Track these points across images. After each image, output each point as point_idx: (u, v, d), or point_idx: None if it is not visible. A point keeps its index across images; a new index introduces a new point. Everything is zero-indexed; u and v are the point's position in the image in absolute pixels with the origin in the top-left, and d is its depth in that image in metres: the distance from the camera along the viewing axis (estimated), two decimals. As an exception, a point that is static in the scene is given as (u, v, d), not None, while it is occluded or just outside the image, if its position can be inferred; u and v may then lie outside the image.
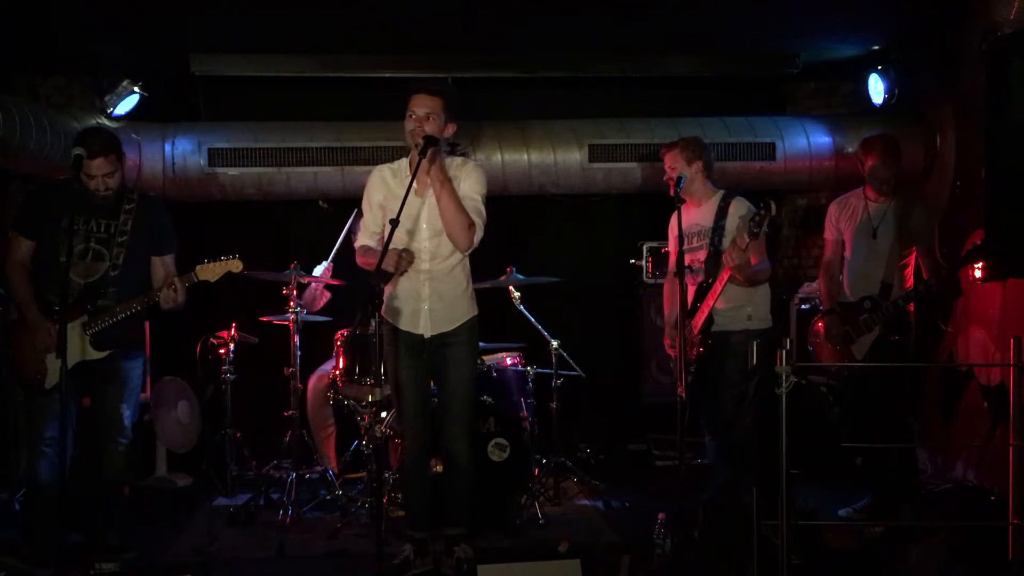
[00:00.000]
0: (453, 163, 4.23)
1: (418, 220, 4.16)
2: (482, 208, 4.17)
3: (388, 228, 3.96)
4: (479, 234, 4.15)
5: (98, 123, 5.93)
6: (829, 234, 5.23)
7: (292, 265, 5.49)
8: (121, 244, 4.38)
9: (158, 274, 4.47)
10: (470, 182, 4.17)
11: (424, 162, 4.01)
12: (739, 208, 4.70)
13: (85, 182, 4.29)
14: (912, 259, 5.04)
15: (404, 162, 4.23)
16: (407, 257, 4.11)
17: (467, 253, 4.22)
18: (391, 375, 4.31)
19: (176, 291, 4.29)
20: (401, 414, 4.34)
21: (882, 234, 4.99)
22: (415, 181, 4.06)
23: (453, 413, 4.28)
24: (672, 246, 4.94)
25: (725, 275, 4.55)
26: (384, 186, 4.21)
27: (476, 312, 4.32)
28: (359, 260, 4.35)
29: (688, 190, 4.78)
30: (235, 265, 4.38)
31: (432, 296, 4.20)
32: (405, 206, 3.96)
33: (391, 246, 3.98)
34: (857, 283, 5.05)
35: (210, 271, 4.35)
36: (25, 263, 4.39)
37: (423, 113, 4.02)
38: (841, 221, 5.17)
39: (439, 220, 4.13)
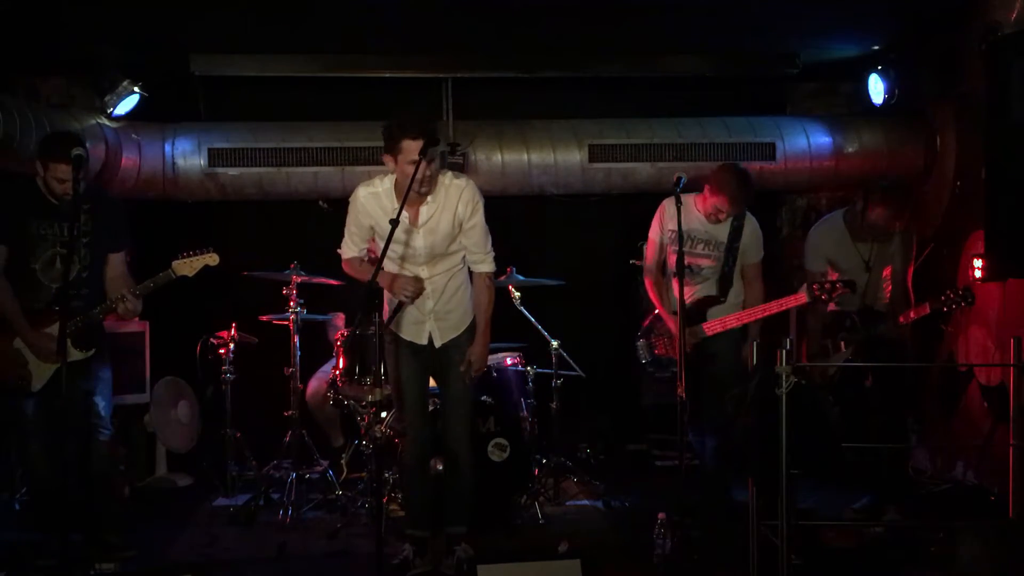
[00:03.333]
0: (445, 177, 4.13)
1: (414, 232, 4.13)
2: (487, 228, 4.20)
3: (378, 238, 4.05)
4: (493, 253, 4.25)
5: (98, 122, 5.92)
6: (815, 266, 5.12)
7: (292, 265, 5.49)
8: (87, 244, 4.31)
9: (110, 272, 4.41)
10: (477, 216, 4.14)
11: (422, 166, 3.96)
12: (750, 227, 4.86)
13: (51, 185, 4.20)
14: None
15: (388, 179, 4.13)
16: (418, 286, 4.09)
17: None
18: (391, 375, 4.32)
19: (129, 301, 4.25)
20: (401, 414, 4.35)
21: (875, 266, 4.99)
22: (417, 185, 4.03)
23: (454, 414, 4.30)
24: (654, 236, 4.96)
25: (774, 308, 4.76)
26: (379, 206, 4.11)
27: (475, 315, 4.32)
28: (351, 271, 4.36)
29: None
30: (211, 259, 4.34)
31: (438, 310, 4.21)
32: (403, 212, 3.96)
33: (390, 250, 3.98)
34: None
35: (187, 266, 4.30)
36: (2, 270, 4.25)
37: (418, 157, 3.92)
38: (831, 255, 5.11)
39: (434, 229, 4.11)
